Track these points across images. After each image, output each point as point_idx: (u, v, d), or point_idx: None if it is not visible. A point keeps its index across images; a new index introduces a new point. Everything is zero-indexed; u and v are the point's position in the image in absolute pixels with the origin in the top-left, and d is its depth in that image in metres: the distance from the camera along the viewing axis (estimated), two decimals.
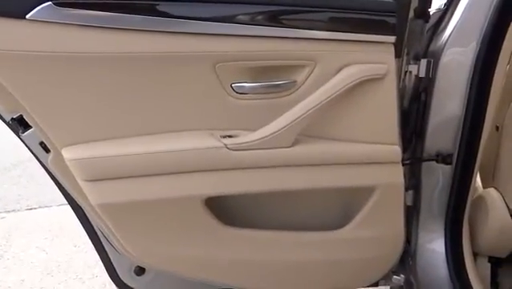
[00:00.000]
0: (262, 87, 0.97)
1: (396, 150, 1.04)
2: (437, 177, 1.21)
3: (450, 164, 1.17)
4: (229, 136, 0.96)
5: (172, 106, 0.95)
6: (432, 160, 1.17)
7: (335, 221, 1.11)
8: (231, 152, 0.94)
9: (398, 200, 1.08)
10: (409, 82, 1.19)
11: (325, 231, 1.09)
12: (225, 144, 0.93)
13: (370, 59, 0.97)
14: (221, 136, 0.96)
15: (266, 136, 0.94)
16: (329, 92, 0.94)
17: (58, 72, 0.87)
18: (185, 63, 0.91)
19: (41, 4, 0.81)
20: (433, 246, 1.23)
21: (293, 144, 0.96)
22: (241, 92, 0.97)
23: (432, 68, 1.11)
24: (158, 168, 0.93)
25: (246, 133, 0.98)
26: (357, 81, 0.95)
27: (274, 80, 0.97)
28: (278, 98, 0.98)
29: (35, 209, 2.95)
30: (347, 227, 1.09)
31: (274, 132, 0.94)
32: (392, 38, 0.97)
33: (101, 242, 1.14)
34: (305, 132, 0.98)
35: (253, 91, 0.97)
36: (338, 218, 1.11)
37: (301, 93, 0.98)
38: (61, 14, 0.83)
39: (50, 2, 0.81)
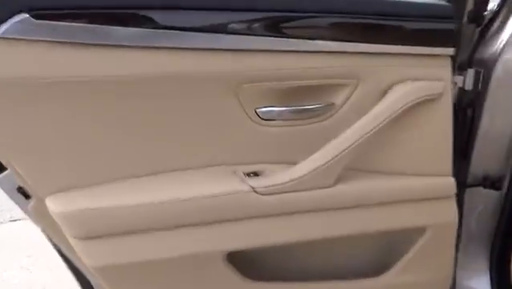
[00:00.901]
0: (292, 111, 0.80)
1: (450, 182, 0.87)
2: (482, 204, 1.05)
3: (499, 189, 1.01)
4: (255, 174, 0.78)
5: (184, 138, 0.76)
6: (479, 185, 1.01)
7: (375, 266, 0.94)
8: (260, 196, 0.76)
9: (450, 240, 0.92)
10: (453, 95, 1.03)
11: (365, 279, 0.92)
12: (253, 188, 0.75)
13: (424, 76, 0.80)
14: (244, 174, 0.78)
15: (304, 176, 0.76)
16: (380, 118, 0.77)
17: (38, 102, 0.67)
18: (200, 86, 0.73)
19: (14, 16, 0.62)
20: (477, 285, 1.07)
21: (335, 183, 0.79)
22: (268, 118, 0.79)
23: (483, 79, 0.94)
24: (167, 220, 0.74)
25: (274, 168, 0.80)
26: (412, 103, 0.78)
27: (308, 103, 0.80)
28: (312, 124, 0.81)
29: (19, 220, 2.73)
30: (391, 272, 0.92)
31: (314, 170, 0.76)
32: (451, 51, 0.80)
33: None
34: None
35: (282, 116, 0.80)
36: (379, 263, 0.94)
37: (339, 118, 0.81)
38: (41, 28, 0.63)
39: (26, 14, 0.62)
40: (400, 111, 0.77)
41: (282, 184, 0.75)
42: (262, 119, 0.79)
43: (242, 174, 0.78)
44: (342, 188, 0.79)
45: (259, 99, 0.78)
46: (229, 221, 0.75)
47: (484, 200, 1.05)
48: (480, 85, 0.95)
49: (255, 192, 0.75)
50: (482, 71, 0.95)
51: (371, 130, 0.76)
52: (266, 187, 0.75)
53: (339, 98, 0.80)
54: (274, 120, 0.80)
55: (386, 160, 0.84)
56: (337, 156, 0.76)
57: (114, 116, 0.71)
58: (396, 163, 0.84)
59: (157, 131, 0.74)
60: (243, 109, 0.77)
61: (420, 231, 0.88)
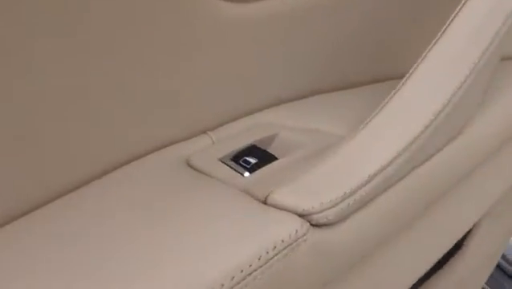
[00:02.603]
0: None
1: None
2: None
3: None
4: (259, 160, 0.29)
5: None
6: None
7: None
8: (319, 232, 0.24)
9: None
10: None
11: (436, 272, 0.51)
12: (306, 215, 0.24)
13: None
14: (235, 167, 0.28)
15: (411, 145, 0.26)
16: None
17: None
18: None
19: None
20: None
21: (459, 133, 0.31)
22: None
23: None
24: None
25: (290, 122, 0.32)
26: None
27: None
28: None
29: None
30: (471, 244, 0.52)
31: (432, 122, 0.27)
32: None
33: None
34: None
35: None
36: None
37: None
38: None
39: None
40: None
41: (364, 183, 0.25)
42: None
43: (228, 167, 0.28)
44: (469, 133, 0.31)
45: None
46: None
47: None
48: None
49: (311, 225, 0.24)
50: None
51: None
52: (326, 205, 0.24)
53: None
54: None
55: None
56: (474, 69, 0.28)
57: None
58: None
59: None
60: None
61: None
